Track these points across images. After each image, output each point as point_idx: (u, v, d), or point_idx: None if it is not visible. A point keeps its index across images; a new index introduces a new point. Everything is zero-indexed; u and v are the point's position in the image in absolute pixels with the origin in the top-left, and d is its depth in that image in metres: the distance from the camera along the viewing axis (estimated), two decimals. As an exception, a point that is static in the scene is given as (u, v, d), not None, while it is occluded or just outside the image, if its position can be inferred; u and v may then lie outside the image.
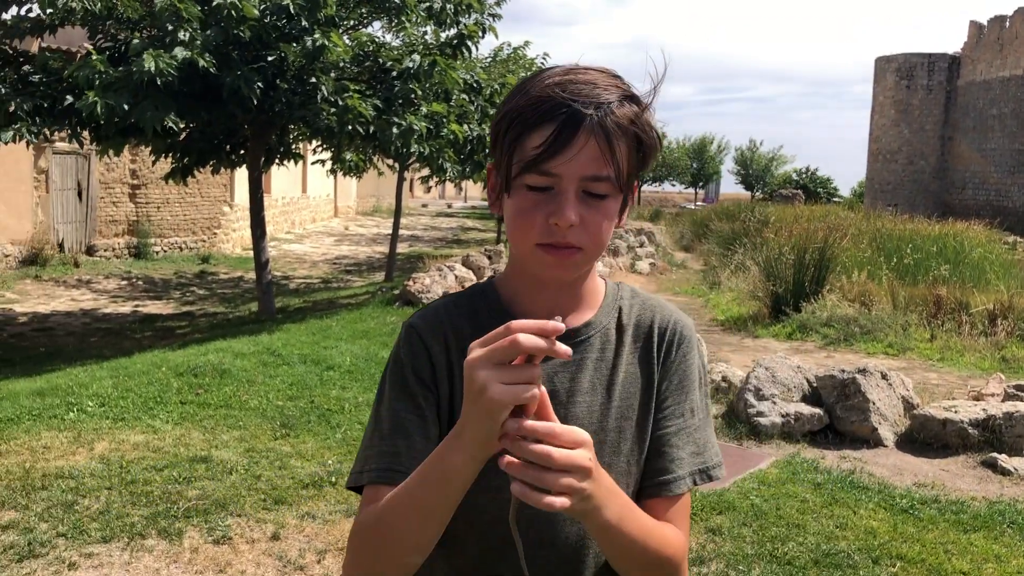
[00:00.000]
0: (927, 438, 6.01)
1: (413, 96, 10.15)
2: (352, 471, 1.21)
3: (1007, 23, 49.16)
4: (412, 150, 10.18)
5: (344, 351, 8.43)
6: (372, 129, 9.93)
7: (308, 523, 4.51)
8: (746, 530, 4.57)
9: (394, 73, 10.29)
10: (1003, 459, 5.61)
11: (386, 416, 1.19)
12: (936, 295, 11.91)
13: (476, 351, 0.93)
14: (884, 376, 6.33)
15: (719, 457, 1.28)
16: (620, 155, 1.09)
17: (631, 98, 1.12)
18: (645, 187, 70.27)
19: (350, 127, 9.68)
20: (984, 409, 6.01)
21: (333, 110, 9.71)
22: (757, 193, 69.39)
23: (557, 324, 0.90)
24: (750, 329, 11.59)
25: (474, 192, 62.57)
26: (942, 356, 9.76)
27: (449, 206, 53.27)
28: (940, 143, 52.08)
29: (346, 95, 9.62)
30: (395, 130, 9.69)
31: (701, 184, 70.75)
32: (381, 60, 10.55)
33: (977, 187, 49.48)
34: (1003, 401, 6.35)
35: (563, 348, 0.91)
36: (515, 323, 0.91)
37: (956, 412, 6.01)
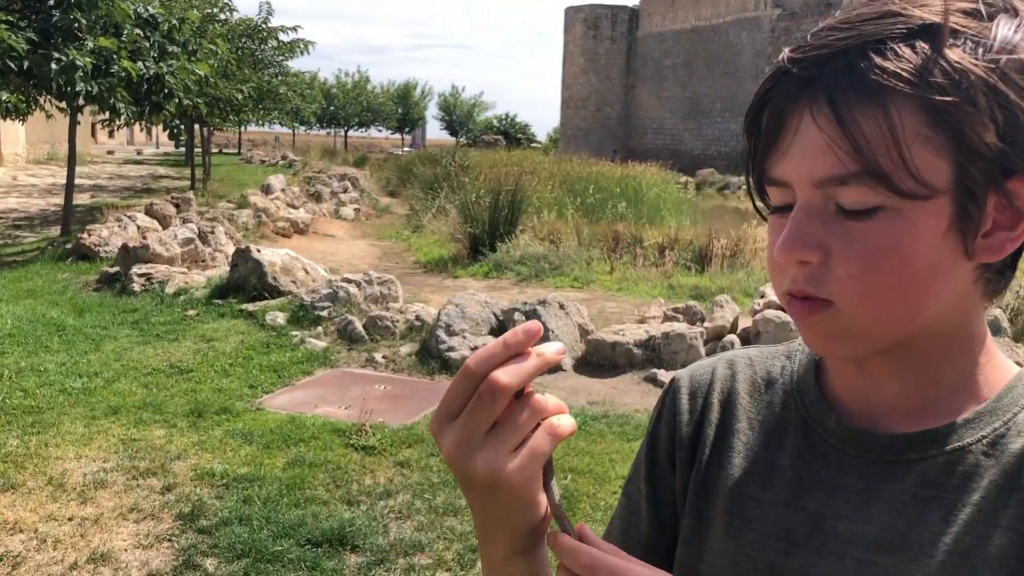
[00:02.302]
0: (600, 360, 6.54)
1: (76, 28, 9.20)
2: None
3: (677, -20, 53.57)
4: (78, 89, 9.24)
5: (4, 313, 7.59)
6: (27, 65, 8.88)
7: (-46, 503, 4.05)
8: (434, 460, 4.73)
9: (51, 2, 9.24)
10: (661, 374, 6.24)
11: None
12: (615, 231, 12.94)
13: (447, 429, 0.64)
14: (562, 306, 6.78)
15: None
16: (875, 132, 0.64)
17: (924, 32, 0.64)
18: (352, 133, 69.49)
19: None
20: (647, 331, 6.64)
21: (-22, 42, 8.57)
22: (461, 139, 71.13)
23: (531, 325, 0.63)
24: (450, 270, 11.93)
25: (166, 137, 58.45)
26: (620, 286, 10.63)
27: (139, 152, 49.42)
28: (624, 91, 56.14)
29: (-7, 26, 8.52)
30: (54, 66, 8.74)
31: (407, 129, 71.16)
32: (35, -13, 9.44)
33: (656, 132, 54.05)
34: (662, 323, 7.05)
35: (551, 352, 0.64)
36: (471, 362, 0.63)
37: (623, 335, 6.58)
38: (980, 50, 0.63)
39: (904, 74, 0.63)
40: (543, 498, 0.67)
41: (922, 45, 0.63)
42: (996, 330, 7.46)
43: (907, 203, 0.65)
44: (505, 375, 0.61)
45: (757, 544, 0.76)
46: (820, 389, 0.79)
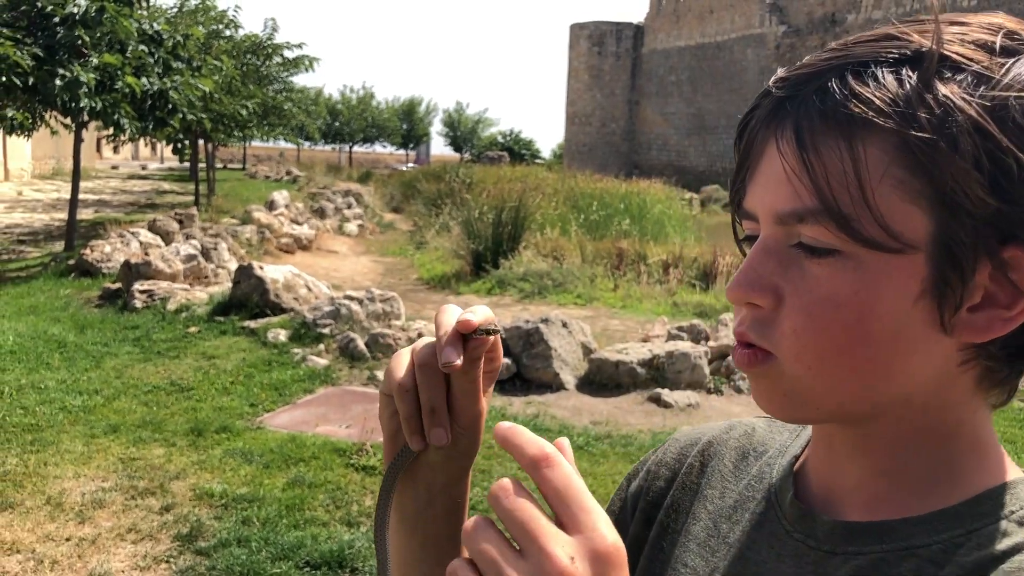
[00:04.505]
0: (603, 379, 6.49)
1: (81, 45, 9.22)
2: None
3: (681, -2, 53.76)
4: (82, 105, 9.26)
5: (6, 329, 7.57)
6: (32, 81, 8.91)
7: (-49, 523, 4.01)
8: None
9: (56, 19, 9.27)
10: (665, 393, 6.19)
11: None
12: (619, 248, 12.91)
13: None
14: (565, 324, 6.74)
15: None
16: (836, 167, 0.55)
17: (916, 60, 0.55)
18: (356, 148, 69.76)
19: (4, 78, 8.62)
20: (650, 350, 6.60)
21: (-17, 59, 8.60)
22: (465, 154, 71.33)
23: (472, 318, 0.61)
24: (453, 287, 11.91)
25: (170, 152, 58.67)
26: (624, 304, 10.59)
27: (143, 168, 49.58)
28: (628, 107, 56.23)
29: (-2, 42, 8.56)
30: (59, 82, 8.76)
31: (412, 145, 71.36)
32: (40, 4, 9.46)
33: (660, 148, 54.11)
34: (666, 341, 7.01)
35: (452, 359, 0.60)
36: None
37: (627, 354, 6.54)
38: (981, 87, 0.53)
39: (877, 102, 0.54)
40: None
41: (909, 73, 0.54)
42: None
43: (870, 253, 0.55)
44: (402, 364, 0.64)
45: None
46: (798, 466, 0.70)
